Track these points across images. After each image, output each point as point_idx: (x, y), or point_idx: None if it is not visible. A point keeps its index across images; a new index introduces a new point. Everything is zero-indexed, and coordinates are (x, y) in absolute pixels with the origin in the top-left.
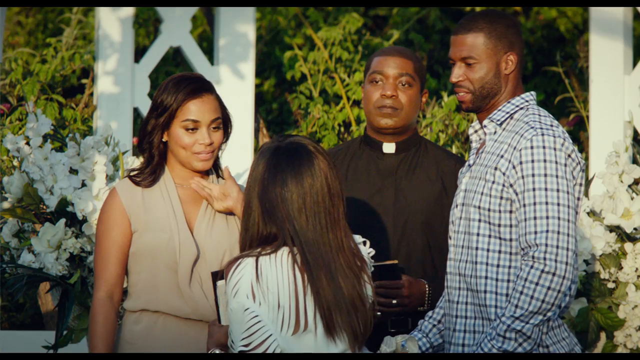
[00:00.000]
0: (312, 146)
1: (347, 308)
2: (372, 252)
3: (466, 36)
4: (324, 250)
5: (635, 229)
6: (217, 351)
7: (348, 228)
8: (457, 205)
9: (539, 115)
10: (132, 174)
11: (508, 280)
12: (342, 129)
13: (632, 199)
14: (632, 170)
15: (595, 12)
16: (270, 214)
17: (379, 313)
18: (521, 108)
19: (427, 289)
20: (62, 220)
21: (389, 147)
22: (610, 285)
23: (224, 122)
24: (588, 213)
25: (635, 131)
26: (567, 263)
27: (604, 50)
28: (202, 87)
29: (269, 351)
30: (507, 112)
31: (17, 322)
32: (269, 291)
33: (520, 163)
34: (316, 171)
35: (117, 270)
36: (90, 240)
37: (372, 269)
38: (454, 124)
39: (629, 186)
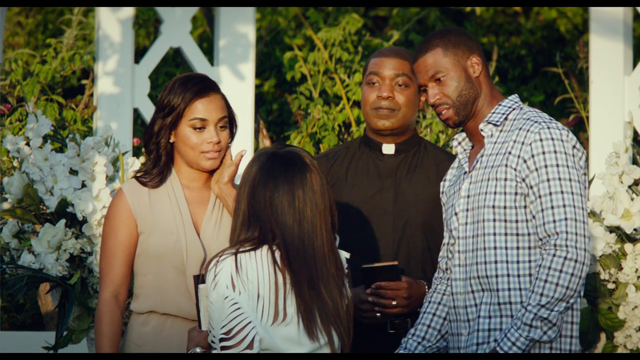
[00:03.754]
0: (308, 159)
1: (328, 316)
2: (348, 255)
3: (425, 57)
4: (308, 259)
5: (635, 229)
6: (198, 350)
7: (334, 242)
8: (456, 213)
9: (536, 111)
10: (138, 174)
11: (529, 275)
12: (342, 130)
13: (632, 199)
14: (632, 171)
15: (595, 12)
16: (257, 216)
17: (378, 314)
18: (514, 109)
19: (426, 290)
20: (62, 221)
21: (388, 148)
22: (610, 286)
23: (229, 122)
24: (588, 214)
25: (635, 132)
26: (585, 250)
27: (604, 50)
28: (209, 87)
29: (249, 338)
30: (502, 114)
31: (17, 322)
32: (248, 281)
33: (532, 156)
34: (308, 182)
35: (122, 271)
36: (90, 241)
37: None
38: None
39: (629, 187)
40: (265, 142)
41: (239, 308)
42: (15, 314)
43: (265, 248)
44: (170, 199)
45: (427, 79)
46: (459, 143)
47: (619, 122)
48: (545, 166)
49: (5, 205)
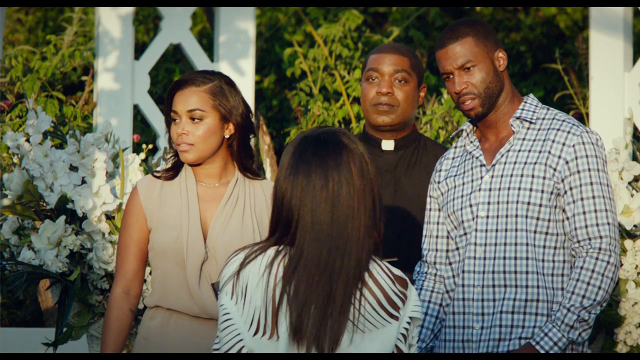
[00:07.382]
0: (345, 137)
1: (325, 311)
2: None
3: (456, 45)
4: (332, 249)
5: (635, 226)
6: None
7: (371, 226)
8: (471, 205)
9: (562, 112)
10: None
11: (552, 275)
12: (342, 126)
13: (632, 196)
14: (632, 167)
15: (595, 9)
16: (285, 201)
17: None
18: (539, 107)
19: None
20: (62, 217)
21: (387, 144)
22: None
23: (223, 117)
24: None
25: (635, 128)
26: (619, 254)
27: (604, 47)
28: (187, 81)
29: (234, 350)
30: (533, 111)
31: (17, 319)
32: (247, 290)
33: (576, 158)
34: (344, 163)
35: (134, 266)
36: (90, 238)
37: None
38: (454, 121)
39: (629, 183)
40: (265, 139)
41: (230, 319)
42: (15, 310)
43: (272, 252)
44: (181, 194)
45: (455, 66)
46: (467, 134)
47: (618, 119)
48: (589, 169)
49: (5, 202)
